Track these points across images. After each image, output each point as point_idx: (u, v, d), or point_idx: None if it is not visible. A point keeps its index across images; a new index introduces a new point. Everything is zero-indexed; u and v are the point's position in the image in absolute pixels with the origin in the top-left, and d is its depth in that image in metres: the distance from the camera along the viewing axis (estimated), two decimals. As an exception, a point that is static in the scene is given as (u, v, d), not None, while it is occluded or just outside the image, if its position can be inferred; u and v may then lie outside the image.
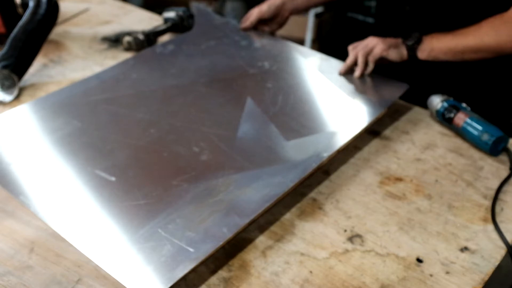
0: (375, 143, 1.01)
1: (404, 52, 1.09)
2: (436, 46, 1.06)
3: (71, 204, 0.76)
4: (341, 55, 1.15)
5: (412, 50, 1.08)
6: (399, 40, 1.09)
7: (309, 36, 2.53)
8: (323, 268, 0.74)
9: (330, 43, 1.56)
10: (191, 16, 1.49)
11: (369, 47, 1.09)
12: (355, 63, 1.11)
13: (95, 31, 1.54)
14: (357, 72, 1.10)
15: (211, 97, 1.03)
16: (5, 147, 0.88)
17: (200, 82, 1.08)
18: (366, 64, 1.10)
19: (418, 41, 1.07)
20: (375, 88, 1.06)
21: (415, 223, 0.82)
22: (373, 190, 0.89)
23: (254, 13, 1.28)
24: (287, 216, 0.84)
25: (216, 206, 0.75)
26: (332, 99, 1.02)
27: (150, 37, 1.37)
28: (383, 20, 1.32)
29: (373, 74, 1.10)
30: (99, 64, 1.34)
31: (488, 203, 0.85)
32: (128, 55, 1.38)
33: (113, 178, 0.80)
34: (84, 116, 0.96)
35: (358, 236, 0.79)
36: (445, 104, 1.02)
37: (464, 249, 0.77)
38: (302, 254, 0.76)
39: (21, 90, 1.21)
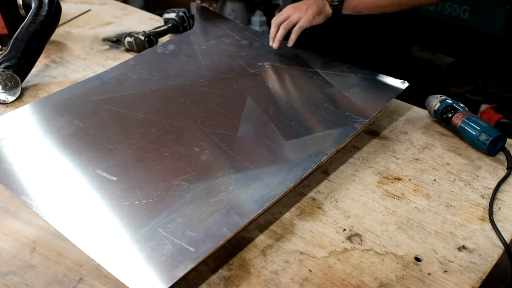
0: (374, 143, 1.01)
1: (328, 12, 1.12)
2: (360, 2, 1.11)
3: (72, 203, 0.77)
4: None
5: (337, 9, 1.12)
6: (322, 3, 1.12)
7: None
8: (322, 267, 0.75)
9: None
10: (191, 17, 1.50)
11: (293, 21, 1.12)
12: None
13: (96, 32, 1.55)
14: (275, 44, 1.15)
15: (212, 97, 1.04)
16: (7, 147, 0.88)
17: (200, 82, 1.08)
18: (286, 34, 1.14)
19: (342, 1, 1.11)
20: (374, 87, 1.07)
21: (414, 222, 0.82)
22: (372, 190, 0.89)
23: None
24: (287, 215, 0.84)
25: (216, 206, 0.76)
26: (331, 99, 1.02)
27: (151, 38, 1.38)
28: None
29: (373, 72, 1.11)
30: (100, 64, 1.35)
31: (485, 202, 0.86)
32: (129, 55, 1.38)
33: (114, 178, 0.81)
34: (86, 116, 0.97)
35: (357, 235, 0.80)
36: (443, 104, 1.02)
37: (462, 248, 0.77)
38: (302, 253, 0.77)
39: (23, 91, 1.22)
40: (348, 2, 1.11)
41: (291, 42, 1.14)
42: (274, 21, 1.15)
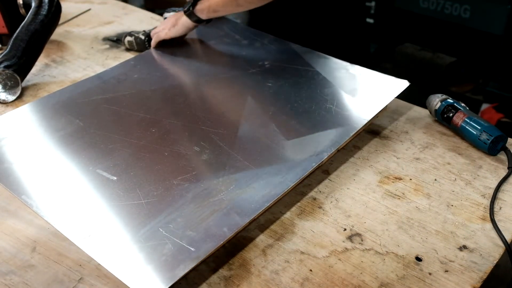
0: (374, 143, 1.01)
1: (187, 22, 1.18)
2: (212, 1, 1.13)
3: (73, 203, 0.77)
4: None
5: (191, 15, 1.16)
6: (179, 14, 1.19)
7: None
8: (323, 266, 0.75)
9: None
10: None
11: (157, 30, 1.24)
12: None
13: (96, 32, 1.55)
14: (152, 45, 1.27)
15: (212, 96, 1.04)
16: (7, 147, 0.88)
17: (200, 81, 1.08)
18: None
19: (193, 5, 1.15)
20: (375, 86, 1.07)
21: (414, 222, 0.82)
22: (372, 189, 0.89)
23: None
24: (287, 215, 0.84)
25: (217, 206, 0.76)
26: (332, 98, 1.02)
27: (151, 37, 1.38)
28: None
29: (373, 71, 1.11)
30: (100, 64, 1.34)
31: (486, 202, 0.86)
32: (129, 55, 1.38)
33: (114, 178, 0.81)
34: (86, 115, 0.97)
35: (358, 235, 0.80)
36: (444, 104, 1.02)
37: (463, 247, 0.77)
38: (302, 252, 0.77)
39: (23, 90, 1.22)
40: (199, 5, 1.15)
41: (151, 44, 1.27)
42: (154, 30, 1.28)
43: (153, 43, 1.26)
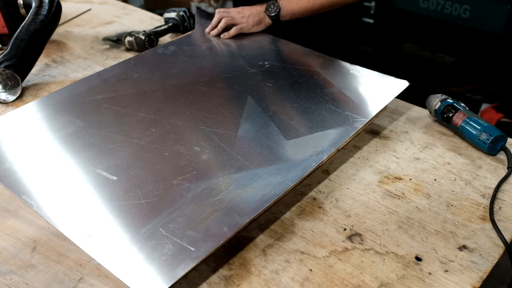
0: (374, 143, 1.01)
1: (268, 22, 1.28)
2: (296, 9, 1.27)
3: (73, 203, 0.77)
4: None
5: (275, 19, 1.28)
6: (262, 14, 1.26)
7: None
8: (323, 266, 0.75)
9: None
10: (191, 17, 1.50)
11: (234, 21, 1.26)
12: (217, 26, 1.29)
13: (96, 32, 1.55)
14: (214, 32, 1.28)
15: (212, 96, 1.04)
16: (8, 147, 0.88)
17: (201, 81, 1.08)
18: (224, 30, 1.28)
19: (279, 11, 1.26)
20: (375, 86, 1.07)
21: (414, 222, 0.82)
22: (372, 189, 0.89)
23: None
24: (287, 215, 0.84)
25: (217, 205, 0.76)
26: (332, 98, 1.02)
27: (151, 37, 1.38)
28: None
29: (373, 71, 1.11)
30: (100, 64, 1.35)
31: (486, 202, 0.86)
32: (129, 55, 1.38)
33: (114, 177, 0.81)
34: (86, 115, 0.97)
35: (358, 234, 0.80)
36: (444, 104, 1.02)
37: (463, 247, 0.77)
38: (302, 252, 0.77)
39: (24, 90, 1.22)
40: (284, 11, 1.26)
41: (227, 35, 1.28)
42: (219, 14, 1.29)
43: (233, 32, 1.27)
